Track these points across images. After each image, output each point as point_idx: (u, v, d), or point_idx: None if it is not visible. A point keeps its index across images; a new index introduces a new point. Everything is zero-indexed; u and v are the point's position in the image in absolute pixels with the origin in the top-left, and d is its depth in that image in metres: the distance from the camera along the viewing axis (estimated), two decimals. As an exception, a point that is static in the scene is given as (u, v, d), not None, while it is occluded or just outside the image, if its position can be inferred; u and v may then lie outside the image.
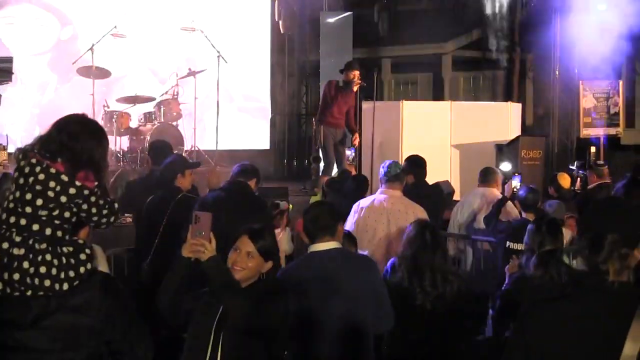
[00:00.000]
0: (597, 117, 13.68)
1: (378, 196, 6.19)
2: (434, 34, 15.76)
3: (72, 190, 2.60)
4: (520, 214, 6.70)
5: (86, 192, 2.63)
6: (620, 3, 12.53)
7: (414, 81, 17.41)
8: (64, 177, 2.59)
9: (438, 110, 11.77)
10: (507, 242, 6.34)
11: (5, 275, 2.51)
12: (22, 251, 2.52)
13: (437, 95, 16.46)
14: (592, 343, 2.38)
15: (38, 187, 2.56)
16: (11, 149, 9.98)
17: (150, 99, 11.18)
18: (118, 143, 10.60)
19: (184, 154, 9.69)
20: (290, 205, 7.19)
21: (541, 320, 2.49)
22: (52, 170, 2.59)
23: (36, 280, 2.51)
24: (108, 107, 10.67)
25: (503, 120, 11.69)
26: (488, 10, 16.08)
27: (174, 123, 10.91)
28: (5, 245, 2.52)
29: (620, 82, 13.79)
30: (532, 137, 11.77)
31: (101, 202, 2.69)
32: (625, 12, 12.47)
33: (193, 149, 11.19)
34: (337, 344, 3.94)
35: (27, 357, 2.52)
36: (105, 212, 2.72)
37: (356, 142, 10.30)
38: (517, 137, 10.99)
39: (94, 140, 2.73)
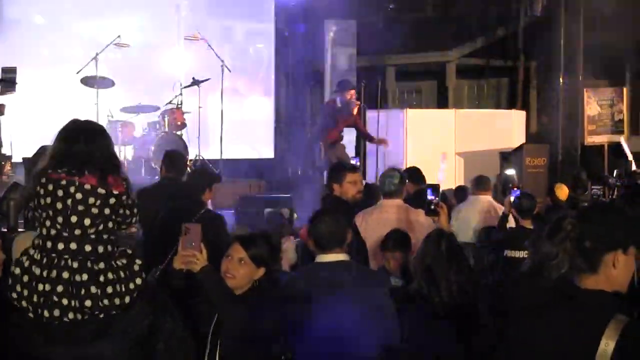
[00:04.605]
0: (601, 125, 13.66)
1: (379, 206, 6.18)
2: (438, 42, 15.74)
3: (112, 201, 2.56)
4: (517, 221, 6.59)
5: (124, 197, 2.60)
6: (624, 11, 12.53)
7: (418, 89, 17.39)
8: (101, 190, 2.53)
9: (442, 118, 11.79)
10: (505, 251, 6.29)
11: (74, 303, 2.44)
12: (85, 277, 2.46)
13: (442, 103, 16.42)
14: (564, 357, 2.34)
15: (80, 207, 2.49)
16: (15, 158, 9.96)
17: (154, 108, 11.19)
18: (122, 152, 10.59)
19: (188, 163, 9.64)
20: (295, 215, 7.18)
21: (522, 331, 2.46)
22: (87, 187, 2.51)
23: (105, 301, 2.48)
24: (112, 117, 10.67)
25: (507, 128, 11.71)
26: (492, 18, 16.09)
27: (178, 132, 10.91)
28: (66, 274, 2.44)
29: (624, 89, 13.77)
30: (536, 145, 11.79)
31: (130, 201, 2.66)
32: (630, 20, 12.46)
33: (197, 158, 11.18)
34: (341, 355, 3.91)
35: None
36: (135, 210, 2.69)
37: (386, 144, 10.12)
38: (522, 145, 10.99)
39: (105, 139, 2.71)
